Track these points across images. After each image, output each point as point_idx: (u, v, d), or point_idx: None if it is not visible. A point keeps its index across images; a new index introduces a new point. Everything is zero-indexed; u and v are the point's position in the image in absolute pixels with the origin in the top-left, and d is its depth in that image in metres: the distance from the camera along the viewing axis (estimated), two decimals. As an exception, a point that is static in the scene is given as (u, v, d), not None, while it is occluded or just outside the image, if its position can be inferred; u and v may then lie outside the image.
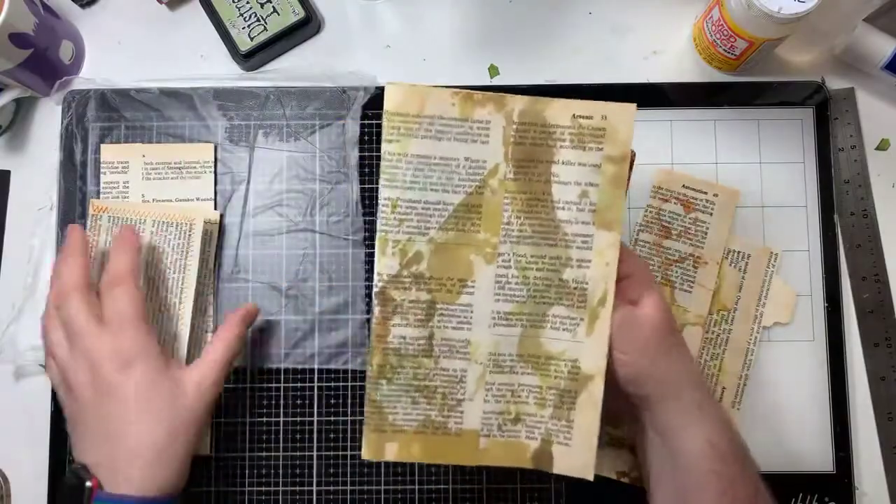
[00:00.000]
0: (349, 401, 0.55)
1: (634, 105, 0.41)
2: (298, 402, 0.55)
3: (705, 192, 0.56)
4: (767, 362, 0.55)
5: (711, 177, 0.57)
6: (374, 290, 0.42)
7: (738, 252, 0.56)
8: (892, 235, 0.56)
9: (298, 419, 0.55)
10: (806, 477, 0.54)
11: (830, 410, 0.55)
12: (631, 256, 0.44)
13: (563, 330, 0.42)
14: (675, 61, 0.59)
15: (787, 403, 0.55)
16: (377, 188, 0.57)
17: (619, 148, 0.41)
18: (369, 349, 0.43)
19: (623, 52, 0.59)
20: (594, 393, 0.42)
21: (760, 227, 0.56)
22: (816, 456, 0.54)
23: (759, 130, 0.57)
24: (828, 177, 0.57)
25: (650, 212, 0.56)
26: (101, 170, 0.56)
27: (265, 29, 0.57)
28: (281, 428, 0.55)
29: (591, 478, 0.42)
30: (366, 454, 0.43)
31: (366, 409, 0.43)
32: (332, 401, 0.55)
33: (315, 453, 0.54)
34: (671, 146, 0.57)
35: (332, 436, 0.55)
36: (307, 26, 0.58)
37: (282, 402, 0.55)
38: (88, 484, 0.42)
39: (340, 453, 0.54)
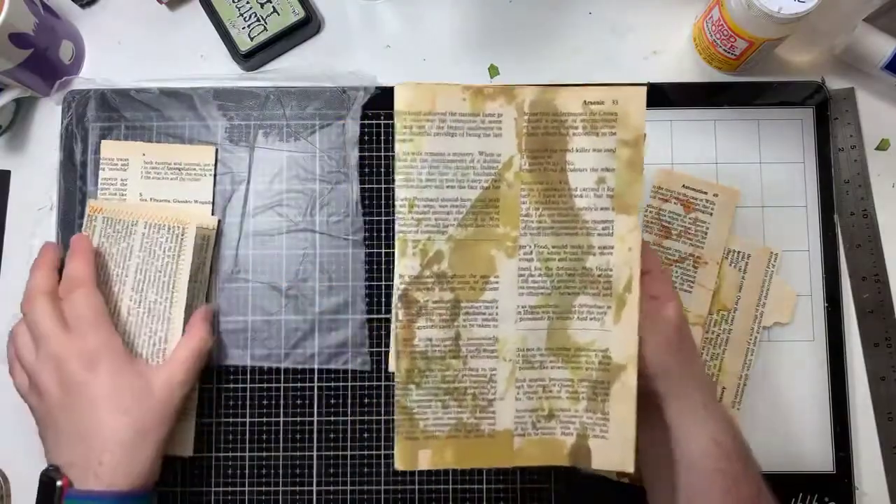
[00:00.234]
0: (349, 401, 0.55)
1: (645, 87, 0.41)
2: (298, 402, 0.55)
3: (705, 192, 0.56)
4: (767, 362, 0.55)
5: (711, 177, 0.57)
6: (397, 293, 0.41)
7: (738, 252, 0.56)
8: (892, 235, 0.56)
9: (298, 419, 0.55)
10: (806, 477, 0.54)
11: (830, 410, 0.55)
12: (648, 252, 0.44)
13: (591, 319, 0.42)
14: (675, 61, 0.59)
15: (787, 403, 0.55)
16: (377, 188, 0.57)
17: (632, 131, 0.41)
18: (395, 354, 0.41)
19: (623, 52, 0.59)
20: (627, 382, 0.41)
21: (760, 227, 0.56)
22: (816, 456, 0.54)
23: (759, 130, 0.57)
24: (828, 177, 0.57)
25: (650, 212, 0.56)
26: (101, 166, 0.56)
27: (265, 29, 0.57)
28: (281, 428, 0.55)
29: (631, 470, 0.41)
30: (399, 464, 0.41)
31: (396, 416, 0.41)
32: (332, 401, 0.55)
33: (315, 453, 0.54)
34: (671, 146, 0.57)
35: (332, 436, 0.55)
36: (307, 26, 0.58)
37: (282, 402, 0.55)
38: (59, 483, 0.43)
39: (340, 453, 0.54)
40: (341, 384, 0.55)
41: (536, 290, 0.42)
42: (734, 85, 0.58)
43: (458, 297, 0.41)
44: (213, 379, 0.55)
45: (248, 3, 0.57)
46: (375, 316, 0.56)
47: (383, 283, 0.56)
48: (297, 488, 0.54)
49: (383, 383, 0.55)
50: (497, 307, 0.42)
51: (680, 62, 0.59)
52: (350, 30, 0.60)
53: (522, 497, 0.54)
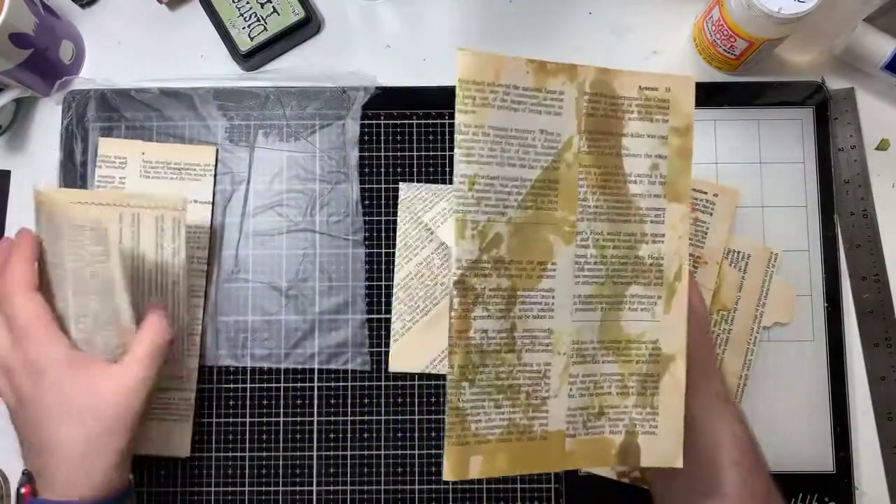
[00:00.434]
0: (349, 401, 0.55)
1: (693, 76, 0.41)
2: (298, 402, 0.55)
3: (705, 192, 0.56)
4: (767, 362, 0.55)
5: (711, 177, 0.57)
6: (452, 279, 0.37)
7: (738, 252, 0.56)
8: (892, 235, 0.56)
9: (298, 419, 0.55)
10: (806, 477, 0.54)
11: (830, 410, 0.55)
12: None
13: (642, 310, 0.41)
14: (675, 61, 0.59)
15: (787, 403, 0.55)
16: (377, 188, 0.57)
17: (682, 119, 0.41)
18: (449, 348, 0.37)
19: (623, 52, 0.59)
20: (676, 374, 0.40)
21: (760, 227, 0.56)
22: (816, 456, 0.54)
23: (759, 130, 0.57)
24: (828, 177, 0.57)
25: (650, 212, 0.56)
26: (98, 163, 0.56)
27: (265, 29, 0.57)
28: (281, 428, 0.55)
29: (680, 465, 0.40)
30: (449, 474, 0.36)
31: (447, 419, 0.36)
32: (332, 401, 0.55)
33: (315, 453, 0.54)
34: (671, 146, 0.57)
35: (332, 436, 0.55)
36: (307, 26, 0.58)
37: (282, 402, 0.55)
38: (22, 490, 0.43)
39: (340, 453, 0.54)
40: (341, 384, 0.55)
41: (591, 279, 0.40)
42: (734, 85, 0.58)
43: (514, 284, 0.38)
44: (213, 379, 0.55)
45: (248, 3, 0.57)
46: (375, 316, 0.56)
47: (383, 283, 0.56)
48: (297, 488, 0.54)
49: (383, 383, 0.55)
50: (553, 296, 0.39)
51: (680, 62, 0.59)
52: (350, 30, 0.60)
53: (522, 497, 0.54)
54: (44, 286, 0.45)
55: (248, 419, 0.55)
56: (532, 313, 0.39)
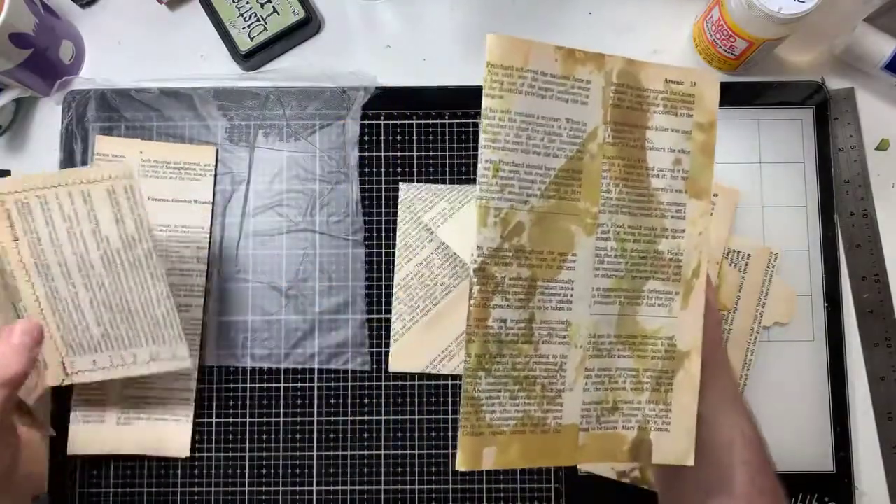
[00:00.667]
0: (349, 401, 0.55)
1: (718, 72, 0.41)
2: (298, 402, 0.55)
3: (705, 192, 0.56)
4: (767, 362, 0.55)
5: (711, 177, 0.57)
6: (473, 266, 0.36)
7: (738, 252, 0.56)
8: (892, 235, 0.56)
9: (298, 419, 0.55)
10: (806, 477, 0.54)
11: (830, 410, 0.55)
12: None
13: (659, 306, 0.40)
14: (675, 61, 0.59)
15: (787, 403, 0.55)
16: (377, 188, 0.57)
17: (706, 115, 0.40)
18: (467, 337, 0.36)
19: (623, 52, 0.58)
20: (691, 371, 0.40)
21: (760, 227, 0.56)
22: (816, 456, 0.54)
23: (759, 130, 0.57)
24: (828, 177, 0.57)
25: (650, 212, 0.56)
26: (95, 162, 0.56)
27: (265, 29, 0.57)
28: (281, 428, 0.55)
29: (691, 463, 0.40)
30: (462, 464, 0.36)
31: (462, 409, 0.36)
32: (332, 401, 0.55)
33: (315, 453, 0.54)
34: (671, 146, 0.57)
35: (332, 436, 0.55)
36: (307, 26, 0.58)
37: (282, 402, 0.55)
38: None
39: (340, 453, 0.54)
40: (341, 384, 0.55)
41: (611, 273, 0.39)
42: (734, 85, 0.58)
43: (534, 274, 0.37)
44: (213, 379, 0.55)
45: (248, 3, 0.57)
46: (375, 316, 0.56)
47: (383, 283, 0.56)
48: (297, 488, 0.54)
49: (383, 383, 0.55)
50: (572, 288, 0.38)
51: (680, 62, 0.59)
52: (350, 30, 0.60)
53: (522, 497, 0.54)
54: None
55: (248, 419, 0.55)
56: (551, 304, 0.38)
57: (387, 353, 0.55)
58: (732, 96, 0.58)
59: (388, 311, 0.56)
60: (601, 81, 0.39)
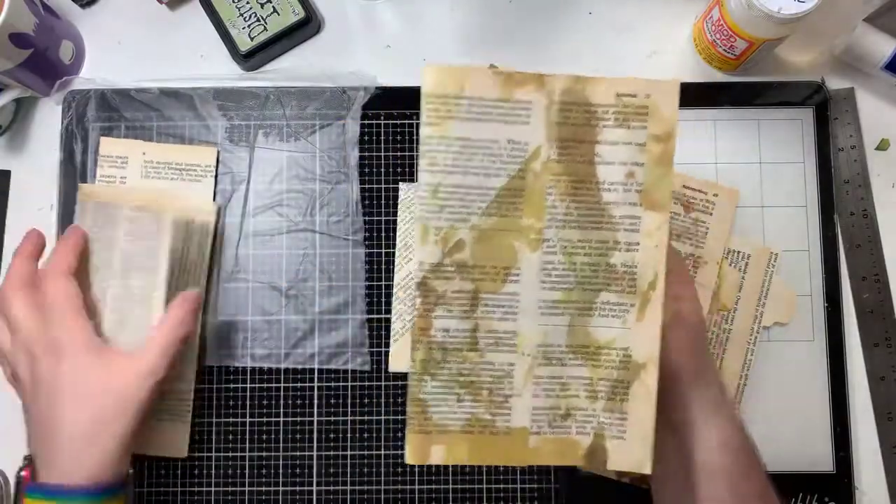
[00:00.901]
0: (349, 401, 0.55)
1: (678, 81, 0.40)
2: (298, 402, 0.55)
3: (705, 192, 0.56)
4: (767, 362, 0.55)
5: (711, 177, 0.57)
6: (415, 280, 0.40)
7: (738, 252, 0.56)
8: (892, 235, 0.56)
9: (298, 419, 0.55)
10: (806, 477, 0.54)
11: (830, 410, 0.55)
12: (671, 251, 0.43)
13: (613, 317, 0.41)
14: (675, 61, 0.59)
15: (787, 403, 0.55)
16: (377, 188, 0.57)
17: (663, 126, 0.40)
18: (412, 344, 0.40)
19: (623, 52, 0.59)
20: (647, 382, 0.40)
21: (760, 227, 0.56)
22: (816, 456, 0.54)
23: (759, 130, 0.57)
24: (828, 177, 0.57)
25: (650, 212, 0.56)
26: (99, 163, 0.56)
27: (265, 29, 0.57)
28: (281, 428, 0.55)
29: (648, 471, 0.40)
30: (410, 458, 0.40)
31: (409, 409, 0.40)
32: (332, 401, 0.55)
33: (315, 453, 0.54)
34: (671, 146, 0.57)
35: (332, 436, 0.55)
36: (307, 26, 0.58)
37: (282, 402, 0.55)
38: (22, 474, 0.44)
39: (340, 453, 0.54)
40: (341, 384, 0.55)
41: (559, 285, 0.41)
42: (734, 85, 0.58)
43: (478, 287, 0.40)
44: (213, 379, 0.55)
45: (248, 3, 0.57)
46: (375, 316, 0.56)
47: (383, 283, 0.56)
48: (297, 488, 0.54)
49: (383, 383, 0.55)
50: (518, 300, 0.41)
51: (680, 62, 0.59)
52: (350, 30, 0.60)
53: (522, 497, 0.54)
54: (82, 274, 0.49)
55: (248, 419, 0.55)
56: (496, 315, 0.40)
57: (387, 353, 0.55)
58: (732, 96, 0.58)
59: (388, 311, 0.56)
60: (543, 101, 0.40)
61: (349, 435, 0.55)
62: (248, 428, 0.55)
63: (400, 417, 0.55)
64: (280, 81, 0.58)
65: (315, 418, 0.55)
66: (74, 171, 0.57)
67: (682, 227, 0.56)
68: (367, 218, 0.56)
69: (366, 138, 0.57)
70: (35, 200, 0.57)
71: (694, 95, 0.58)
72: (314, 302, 0.56)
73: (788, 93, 0.58)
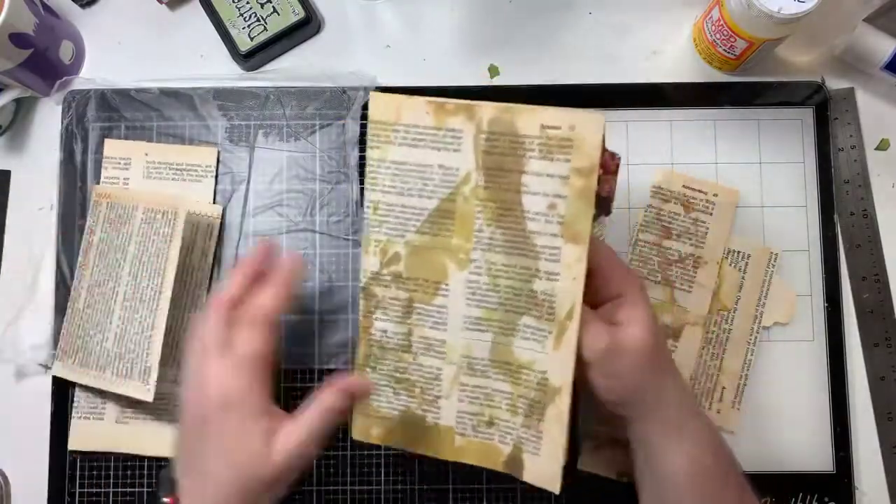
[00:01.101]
0: (349, 401, 0.55)
1: (603, 116, 0.39)
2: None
3: (705, 192, 0.56)
4: (767, 362, 0.55)
5: (711, 177, 0.57)
6: (360, 284, 0.44)
7: (738, 252, 0.56)
8: (892, 235, 0.56)
9: (298, 419, 0.55)
10: (806, 477, 0.54)
11: (830, 410, 0.55)
12: (624, 274, 0.43)
13: (533, 340, 0.42)
14: (675, 61, 0.59)
15: (787, 403, 0.55)
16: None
17: (586, 160, 0.39)
18: (358, 338, 0.45)
19: (623, 52, 0.59)
20: (560, 407, 0.41)
21: (760, 227, 0.56)
22: (816, 456, 0.54)
23: (759, 130, 0.57)
24: (828, 177, 0.57)
25: (650, 212, 0.56)
26: (103, 164, 0.57)
27: (265, 29, 0.57)
28: (281, 428, 0.55)
29: (557, 491, 0.41)
30: (354, 434, 0.46)
31: None
32: (332, 401, 0.55)
33: (315, 453, 0.54)
34: (671, 146, 0.57)
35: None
36: (307, 26, 0.58)
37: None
38: (165, 500, 0.43)
39: (340, 453, 0.54)
40: (341, 384, 0.55)
41: (483, 304, 0.42)
42: (734, 85, 0.58)
43: (412, 297, 0.44)
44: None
45: (248, 3, 0.57)
46: (375, 316, 0.56)
47: (383, 283, 0.56)
48: (297, 488, 0.54)
49: (383, 383, 0.55)
50: (446, 313, 0.43)
51: (680, 62, 0.59)
52: (350, 30, 0.60)
53: (522, 497, 0.54)
54: (88, 263, 0.52)
55: (248, 419, 0.55)
56: (427, 324, 0.44)
57: (387, 353, 0.55)
58: (732, 96, 0.58)
59: (388, 311, 0.56)
60: (472, 130, 0.41)
61: (349, 435, 0.54)
62: (248, 428, 0.55)
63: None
64: (280, 81, 0.58)
65: (315, 418, 0.55)
66: (74, 171, 0.57)
67: (682, 227, 0.56)
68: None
69: (366, 138, 0.57)
70: (35, 200, 0.57)
71: (694, 95, 0.58)
72: (314, 302, 0.56)
73: (788, 93, 0.58)
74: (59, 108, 0.57)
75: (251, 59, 0.58)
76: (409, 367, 0.44)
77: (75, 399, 0.54)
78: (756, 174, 0.57)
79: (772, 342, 0.55)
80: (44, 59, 0.55)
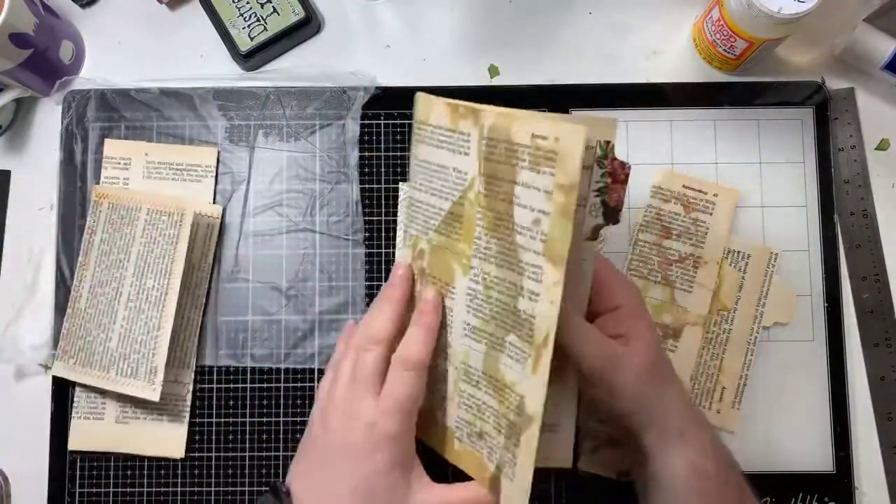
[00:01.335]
0: (349, 401, 0.55)
1: (583, 130, 0.35)
2: (298, 402, 0.55)
3: (705, 192, 0.56)
4: (767, 362, 0.55)
5: (711, 177, 0.57)
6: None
7: (738, 252, 0.56)
8: (892, 235, 0.56)
9: (298, 419, 0.55)
10: (806, 477, 0.54)
11: (830, 410, 0.55)
12: (622, 285, 0.43)
13: (516, 360, 0.39)
14: (675, 61, 0.59)
15: (787, 403, 0.55)
16: (377, 188, 0.57)
17: (568, 176, 0.36)
18: None
19: (623, 52, 0.59)
20: (531, 437, 0.38)
21: (760, 227, 0.56)
22: (816, 456, 0.54)
23: (759, 130, 0.57)
24: (828, 177, 0.57)
25: (650, 212, 0.56)
26: (103, 164, 0.57)
27: (265, 29, 0.57)
28: (281, 428, 0.55)
29: None
30: None
31: None
32: (332, 401, 0.55)
33: (315, 453, 0.54)
34: (671, 146, 0.57)
35: (332, 436, 0.54)
36: (307, 26, 0.58)
37: (282, 402, 0.55)
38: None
39: (340, 453, 0.54)
40: (341, 384, 0.55)
41: (479, 314, 0.41)
42: (734, 85, 0.58)
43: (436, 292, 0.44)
44: (213, 379, 0.55)
45: (248, 3, 0.57)
46: (375, 316, 0.56)
47: (383, 282, 0.56)
48: None
49: (383, 383, 0.55)
50: (452, 316, 0.43)
51: (680, 62, 0.59)
52: (350, 30, 0.60)
53: (522, 497, 0.54)
54: (89, 263, 0.53)
55: (248, 419, 0.55)
56: (442, 324, 0.44)
57: (387, 353, 0.55)
58: (732, 96, 0.58)
59: (388, 311, 0.56)
60: (477, 135, 0.40)
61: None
62: (248, 428, 0.55)
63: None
64: (280, 81, 0.58)
65: (315, 418, 0.55)
66: (74, 171, 0.57)
67: (682, 227, 0.56)
68: (367, 218, 0.56)
69: (366, 138, 0.57)
70: (35, 200, 0.57)
71: (694, 95, 0.58)
72: (314, 302, 0.56)
73: (788, 93, 0.58)
74: (59, 108, 0.57)
75: (251, 59, 0.58)
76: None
77: (75, 399, 0.54)
78: (756, 174, 0.57)
79: (772, 342, 0.55)
80: (44, 59, 0.55)
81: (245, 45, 0.57)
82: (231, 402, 0.55)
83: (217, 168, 0.57)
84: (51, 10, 0.55)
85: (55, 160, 0.57)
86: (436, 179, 0.42)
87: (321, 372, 0.55)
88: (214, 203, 0.57)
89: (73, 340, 0.53)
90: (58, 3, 0.58)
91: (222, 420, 0.55)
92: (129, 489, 0.54)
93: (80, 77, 0.58)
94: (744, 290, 0.55)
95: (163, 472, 0.54)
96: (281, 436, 0.54)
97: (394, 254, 0.56)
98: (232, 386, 0.55)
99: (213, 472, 0.54)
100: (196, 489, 0.54)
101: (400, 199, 0.57)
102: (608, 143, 0.39)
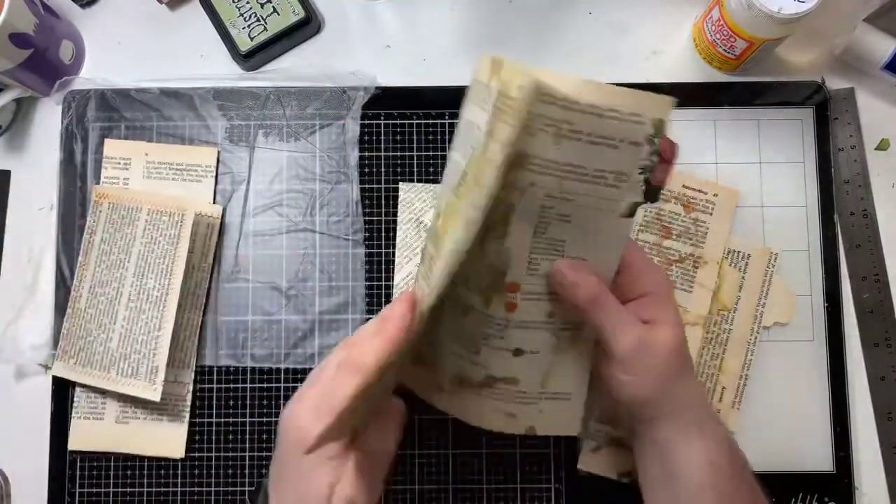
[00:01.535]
0: (349, 401, 0.55)
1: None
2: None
3: (705, 192, 0.56)
4: (767, 362, 0.55)
5: (711, 177, 0.57)
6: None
7: (738, 252, 0.56)
8: (892, 235, 0.56)
9: (298, 419, 0.55)
10: (806, 477, 0.54)
11: (830, 410, 0.55)
12: (654, 274, 0.43)
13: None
14: (675, 61, 0.59)
15: (787, 403, 0.55)
16: (377, 188, 0.57)
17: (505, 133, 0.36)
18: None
19: (623, 52, 0.59)
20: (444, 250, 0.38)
21: (760, 227, 0.56)
22: (816, 456, 0.54)
23: (759, 130, 0.57)
24: (828, 177, 0.57)
25: (650, 212, 0.56)
26: (103, 164, 0.57)
27: (265, 29, 0.57)
28: (281, 428, 0.55)
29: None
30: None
31: None
32: (332, 401, 0.55)
33: (315, 453, 0.54)
34: (671, 146, 0.57)
35: (332, 436, 0.54)
36: (307, 26, 0.58)
37: (282, 402, 0.55)
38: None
39: (340, 453, 0.54)
40: (341, 384, 0.55)
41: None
42: (734, 85, 0.58)
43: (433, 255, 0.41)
44: (213, 379, 0.55)
45: (248, 3, 0.57)
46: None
47: (383, 283, 0.56)
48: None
49: (383, 383, 0.55)
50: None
51: (680, 62, 0.59)
52: (350, 30, 0.60)
53: (522, 497, 0.54)
54: (89, 263, 0.53)
55: (248, 419, 0.55)
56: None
57: (387, 353, 0.55)
58: (732, 96, 0.58)
59: (388, 311, 0.55)
60: (495, 91, 0.37)
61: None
62: (248, 428, 0.55)
63: (400, 417, 0.55)
64: (280, 81, 0.58)
65: (315, 418, 0.55)
66: (74, 171, 0.57)
67: (682, 227, 0.56)
68: (367, 218, 0.56)
69: (366, 138, 0.57)
70: (35, 200, 0.57)
71: (694, 95, 0.58)
72: (314, 302, 0.56)
73: (788, 93, 0.58)
74: (59, 108, 0.57)
75: (251, 59, 0.58)
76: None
77: (75, 399, 0.54)
78: (756, 174, 0.57)
79: (772, 342, 0.55)
80: (44, 59, 0.55)
81: (245, 45, 0.57)
82: (231, 402, 0.55)
83: (217, 168, 0.57)
84: (51, 10, 0.55)
85: (55, 160, 0.57)
86: (463, 136, 0.41)
87: (321, 372, 0.55)
88: (214, 203, 0.57)
89: (74, 340, 0.53)
90: (58, 3, 0.58)
91: (222, 420, 0.55)
92: (129, 489, 0.54)
93: (80, 77, 0.58)
94: (744, 290, 0.55)
95: (163, 472, 0.54)
96: (281, 436, 0.54)
97: (394, 254, 0.56)
98: (232, 386, 0.55)
99: (213, 472, 0.54)
100: (196, 489, 0.54)
101: (400, 199, 0.57)
102: (661, 120, 0.37)
